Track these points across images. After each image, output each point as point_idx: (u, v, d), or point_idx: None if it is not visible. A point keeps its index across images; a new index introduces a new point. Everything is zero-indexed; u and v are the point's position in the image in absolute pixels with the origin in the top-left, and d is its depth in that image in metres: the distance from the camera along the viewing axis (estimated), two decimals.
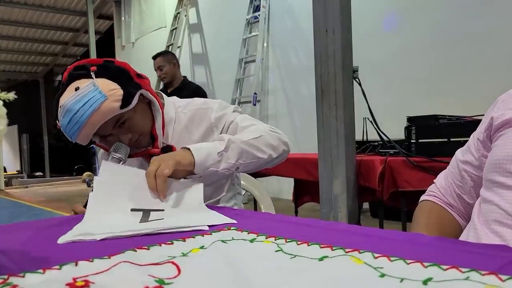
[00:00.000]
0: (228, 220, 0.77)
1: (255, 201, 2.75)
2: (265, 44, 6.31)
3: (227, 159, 1.05)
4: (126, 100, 1.07)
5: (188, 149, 1.02)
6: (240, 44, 6.57)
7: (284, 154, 1.19)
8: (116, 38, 10.37)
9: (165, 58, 3.57)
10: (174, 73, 3.58)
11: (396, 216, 2.99)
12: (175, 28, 7.82)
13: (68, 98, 1.04)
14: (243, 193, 1.47)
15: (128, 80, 1.11)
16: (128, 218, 0.85)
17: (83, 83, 1.05)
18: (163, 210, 0.90)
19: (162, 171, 0.93)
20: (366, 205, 4.37)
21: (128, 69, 1.13)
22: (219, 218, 0.80)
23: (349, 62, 2.37)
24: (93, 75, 1.06)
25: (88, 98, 1.03)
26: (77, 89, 1.04)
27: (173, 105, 1.28)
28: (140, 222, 0.81)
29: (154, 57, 3.63)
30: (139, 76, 1.15)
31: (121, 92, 1.07)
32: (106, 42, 10.84)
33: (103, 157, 1.36)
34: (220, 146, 1.06)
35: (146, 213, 0.87)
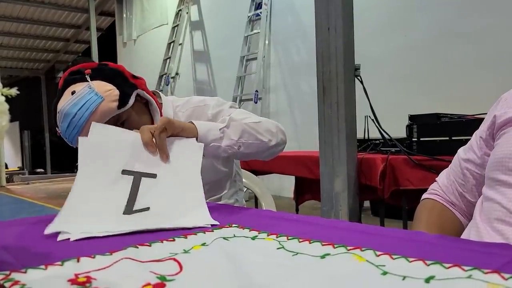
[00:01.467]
0: (211, 221, 0.76)
1: (256, 199, 2.76)
2: (266, 42, 6.31)
3: (229, 136, 1.04)
4: (123, 100, 1.07)
5: (192, 123, 1.00)
6: (241, 41, 6.56)
7: (282, 144, 1.18)
8: (117, 35, 10.37)
9: None
10: None
11: (397, 214, 2.99)
12: (177, 25, 7.81)
13: (65, 102, 1.04)
14: (244, 190, 1.46)
15: (123, 80, 1.11)
16: (111, 207, 0.80)
17: (79, 87, 1.06)
18: (155, 175, 0.86)
19: (157, 126, 0.90)
20: (367, 203, 4.37)
21: (123, 71, 1.14)
22: (204, 219, 0.77)
23: (351, 60, 2.37)
24: (88, 78, 1.07)
25: (85, 100, 1.03)
26: (73, 93, 1.05)
27: (171, 104, 1.28)
28: (123, 214, 0.79)
29: None
30: (135, 77, 1.16)
31: (117, 92, 1.07)
32: (108, 39, 10.85)
33: None
34: (222, 123, 1.05)
35: (135, 185, 0.83)
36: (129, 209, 0.80)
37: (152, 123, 1.19)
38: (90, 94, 1.04)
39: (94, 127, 0.91)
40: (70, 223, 0.74)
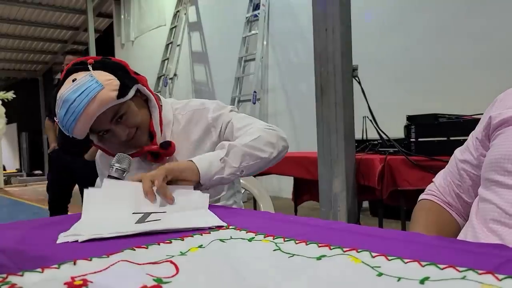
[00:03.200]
0: (220, 222, 0.76)
1: (254, 200, 2.76)
2: (264, 43, 6.31)
3: (230, 164, 1.04)
4: (122, 91, 1.08)
5: (190, 161, 1.01)
6: (239, 42, 6.57)
7: (284, 150, 1.18)
8: (115, 36, 10.37)
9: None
10: None
11: (395, 214, 2.99)
12: (175, 26, 7.82)
13: (66, 88, 1.05)
14: (243, 192, 1.46)
15: (124, 73, 1.12)
16: (125, 218, 0.83)
17: (80, 75, 1.07)
18: (165, 212, 0.88)
19: (157, 174, 0.91)
20: (365, 204, 4.37)
21: (125, 65, 1.15)
22: (213, 220, 0.78)
23: (349, 60, 2.37)
24: (90, 68, 1.08)
25: (85, 87, 1.03)
26: (74, 80, 1.05)
27: (171, 107, 1.28)
28: (136, 223, 0.80)
29: (72, 53, 3.42)
30: (136, 73, 1.17)
31: (117, 82, 1.08)
32: (106, 40, 10.84)
33: (103, 162, 1.36)
34: (222, 152, 1.05)
35: (146, 215, 0.85)
36: (141, 221, 0.82)
37: (150, 120, 1.19)
38: (90, 82, 1.04)
39: (106, 182, 0.95)
40: (82, 229, 0.75)
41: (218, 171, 1.02)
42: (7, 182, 11.22)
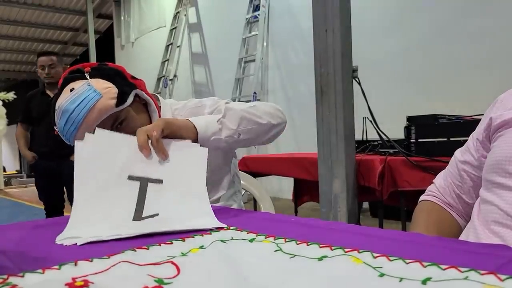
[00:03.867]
0: (219, 224, 0.75)
1: (254, 201, 2.76)
2: (264, 44, 6.32)
3: (227, 126, 1.03)
4: (121, 98, 1.07)
5: (188, 120, 0.99)
6: (239, 43, 6.57)
7: (282, 123, 1.17)
8: (115, 38, 10.38)
9: (59, 59, 3.34)
10: (61, 76, 3.32)
11: (395, 215, 2.99)
12: (175, 28, 7.82)
13: (64, 99, 1.05)
14: (243, 192, 1.46)
15: (122, 79, 1.12)
16: (121, 213, 0.80)
17: (77, 84, 1.06)
18: (161, 181, 0.85)
19: (153, 127, 0.88)
20: (366, 205, 4.38)
21: (122, 71, 1.14)
22: (212, 222, 0.76)
23: (349, 61, 2.37)
24: (87, 76, 1.07)
25: (83, 97, 1.03)
26: (72, 90, 1.05)
27: (170, 107, 1.28)
28: (133, 220, 0.79)
29: (43, 54, 3.32)
30: (134, 78, 1.17)
31: (115, 90, 1.07)
32: (106, 42, 10.85)
33: None
34: (219, 115, 1.04)
35: (142, 192, 0.82)
36: (138, 216, 0.80)
37: (150, 123, 1.19)
38: (88, 91, 1.04)
39: (88, 135, 0.89)
40: (80, 230, 0.74)
41: (215, 131, 1.00)
42: (7, 183, 11.21)
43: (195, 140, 0.96)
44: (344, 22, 2.35)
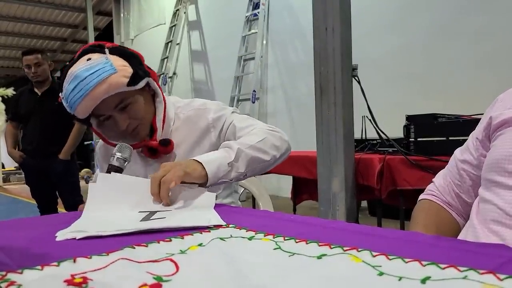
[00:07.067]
0: (220, 221, 0.75)
1: (253, 199, 2.76)
2: (264, 42, 6.31)
3: (237, 169, 1.04)
4: (134, 79, 1.09)
5: (197, 161, 0.99)
6: (239, 41, 6.56)
7: (286, 153, 1.19)
8: (115, 35, 10.35)
9: (44, 56, 3.23)
10: (48, 73, 3.22)
11: (394, 214, 2.99)
12: (174, 25, 7.81)
13: (79, 66, 1.06)
14: (242, 190, 1.47)
15: (139, 64, 1.13)
16: (130, 215, 0.83)
17: (95, 56, 1.08)
18: (170, 210, 0.88)
19: (167, 179, 0.90)
20: (364, 203, 4.37)
21: (140, 56, 1.17)
22: (213, 219, 0.78)
23: (349, 60, 2.37)
24: (106, 51, 1.09)
25: (98, 68, 1.04)
26: (89, 59, 1.06)
27: (173, 105, 1.28)
28: (141, 221, 0.80)
29: (28, 53, 3.19)
30: (149, 67, 1.19)
31: (131, 70, 1.09)
32: (105, 39, 10.72)
33: (103, 154, 1.36)
34: (230, 156, 1.03)
35: (151, 213, 0.85)
36: (146, 219, 0.82)
37: (154, 115, 1.20)
38: (105, 63, 1.05)
39: (101, 177, 0.95)
40: (85, 226, 0.75)
41: (224, 174, 1.02)
42: (5, 180, 11.21)
43: (204, 183, 0.98)
44: (344, 20, 2.34)
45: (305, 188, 3.17)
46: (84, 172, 9.88)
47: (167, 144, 1.19)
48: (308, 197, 3.18)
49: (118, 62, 1.08)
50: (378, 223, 2.51)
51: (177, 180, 0.90)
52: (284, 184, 5.28)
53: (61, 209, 3.48)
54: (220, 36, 7.24)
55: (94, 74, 1.03)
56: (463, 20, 4.05)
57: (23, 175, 3.74)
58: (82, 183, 3.61)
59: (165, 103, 1.22)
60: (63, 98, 1.09)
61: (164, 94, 1.30)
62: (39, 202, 3.41)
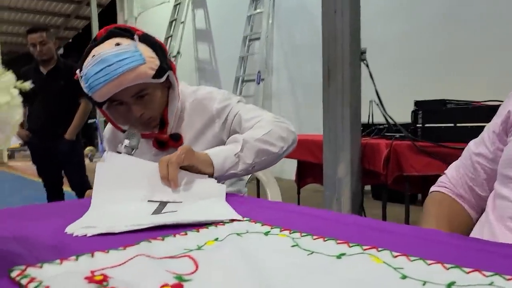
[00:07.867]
0: (236, 216, 0.74)
1: (257, 182, 2.76)
2: (270, 22, 6.23)
3: (244, 160, 1.04)
4: (159, 72, 1.09)
5: (206, 154, 1.00)
6: (244, 21, 6.48)
7: (293, 144, 1.19)
8: (118, 12, 10.24)
9: (49, 34, 3.18)
10: (53, 52, 3.18)
11: (398, 198, 3.00)
12: (179, 3, 7.71)
13: (107, 49, 1.04)
14: (248, 177, 1.46)
15: (164, 56, 1.13)
16: (142, 208, 0.83)
17: (125, 41, 1.07)
18: (181, 202, 0.87)
19: (174, 158, 0.90)
20: (368, 187, 4.37)
21: (165, 48, 1.16)
22: (229, 213, 0.76)
23: (357, 44, 2.34)
24: (136, 39, 1.08)
25: (128, 55, 1.04)
26: (117, 44, 1.05)
27: (180, 91, 1.27)
28: (152, 214, 0.79)
29: (33, 31, 3.14)
30: (170, 60, 1.18)
31: (158, 62, 1.09)
32: (108, 16, 10.68)
33: (110, 138, 1.35)
34: (236, 147, 1.04)
35: (162, 205, 0.85)
36: (158, 211, 0.81)
37: (166, 108, 1.19)
38: (135, 52, 1.05)
39: (109, 155, 0.95)
40: (95, 220, 0.74)
41: (232, 166, 1.02)
42: (10, 156, 11.26)
43: (212, 174, 0.98)
44: (353, 3, 2.30)
45: (309, 172, 3.16)
46: (88, 150, 9.90)
47: (177, 139, 1.20)
48: (312, 180, 3.18)
49: (148, 53, 1.07)
50: (383, 207, 2.51)
51: (186, 153, 0.91)
52: (287, 167, 5.27)
53: (66, 188, 3.50)
54: (225, 15, 7.15)
55: (123, 61, 1.02)
56: (472, 5, 3.98)
57: (28, 153, 3.75)
58: (86, 161, 3.63)
59: (179, 98, 1.21)
60: (81, 77, 1.07)
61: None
62: (45, 181, 3.44)
